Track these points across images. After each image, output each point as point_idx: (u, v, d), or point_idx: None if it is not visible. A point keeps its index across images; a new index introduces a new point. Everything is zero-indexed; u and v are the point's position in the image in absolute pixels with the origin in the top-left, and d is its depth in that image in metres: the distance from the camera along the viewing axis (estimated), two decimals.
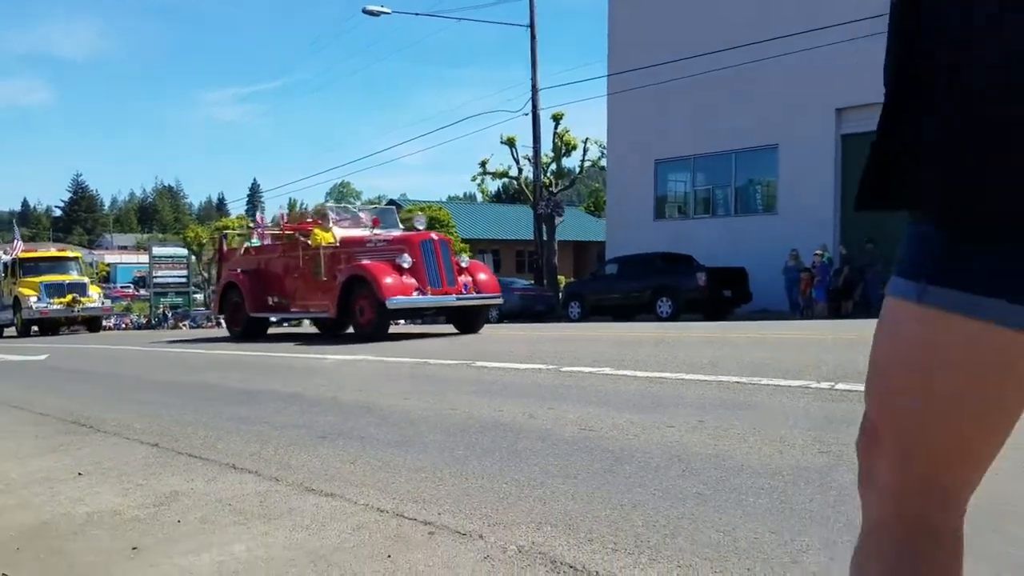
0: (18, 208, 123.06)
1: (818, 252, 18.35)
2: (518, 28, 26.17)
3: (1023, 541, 2.33)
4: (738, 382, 5.49)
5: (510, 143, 30.66)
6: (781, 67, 19.53)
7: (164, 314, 30.82)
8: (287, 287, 14.69)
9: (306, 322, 19.49)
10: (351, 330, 13.78)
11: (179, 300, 32.00)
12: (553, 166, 31.71)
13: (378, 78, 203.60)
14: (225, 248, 16.77)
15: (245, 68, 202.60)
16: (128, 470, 3.87)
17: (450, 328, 14.86)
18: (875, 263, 17.30)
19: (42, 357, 13.05)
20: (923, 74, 0.95)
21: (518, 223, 44.09)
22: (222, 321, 23.70)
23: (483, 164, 33.42)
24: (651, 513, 2.74)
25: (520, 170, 31.36)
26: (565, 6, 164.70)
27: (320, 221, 14.65)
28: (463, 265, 13.57)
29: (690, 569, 2.23)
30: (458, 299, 13.04)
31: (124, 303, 40.51)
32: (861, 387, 1.20)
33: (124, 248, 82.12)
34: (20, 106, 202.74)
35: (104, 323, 27.55)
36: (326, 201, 52.64)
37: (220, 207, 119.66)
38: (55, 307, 24.78)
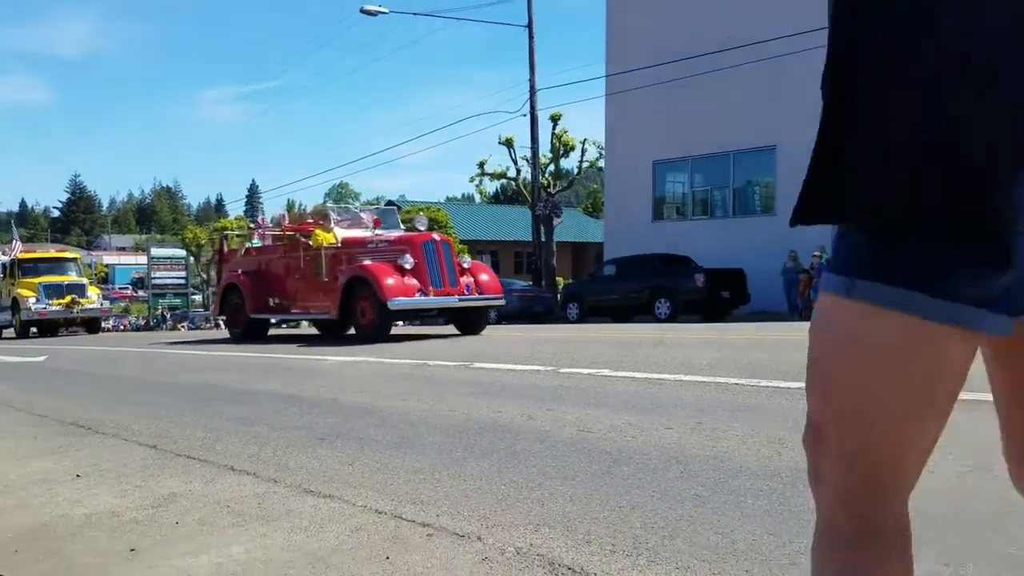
0: (16, 209, 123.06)
1: (816, 253, 18.34)
2: (516, 28, 26.20)
3: (1023, 541, 2.33)
4: (737, 384, 5.50)
5: (508, 144, 30.66)
6: (779, 68, 19.54)
7: (162, 315, 30.79)
8: (288, 288, 14.65)
9: (304, 323, 19.46)
10: (352, 331, 13.75)
11: (177, 301, 31.97)
12: (551, 167, 31.72)
13: (376, 78, 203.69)
14: (226, 249, 16.71)
15: (244, 68, 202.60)
16: (126, 472, 3.87)
17: (450, 329, 14.85)
18: None
19: (41, 358, 13.04)
20: (848, 93, 1.01)
21: (516, 224, 44.09)
22: (221, 322, 23.71)
23: (481, 165, 33.44)
24: (649, 515, 2.74)
25: (518, 171, 31.36)
26: (563, 7, 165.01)
27: (321, 222, 14.60)
28: (465, 266, 13.52)
29: (688, 571, 2.23)
30: (460, 300, 13.00)
31: (122, 304, 40.44)
32: None
33: (122, 249, 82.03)
34: (18, 105, 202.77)
35: (103, 324, 27.50)
36: (324, 202, 52.70)
37: (219, 208, 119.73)
38: (54, 308, 24.73)
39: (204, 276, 42.49)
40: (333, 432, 4.65)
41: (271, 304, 14.89)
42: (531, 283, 27.16)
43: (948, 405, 1.07)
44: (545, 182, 29.88)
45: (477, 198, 50.14)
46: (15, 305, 25.42)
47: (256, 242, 16.20)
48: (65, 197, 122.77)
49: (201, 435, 4.78)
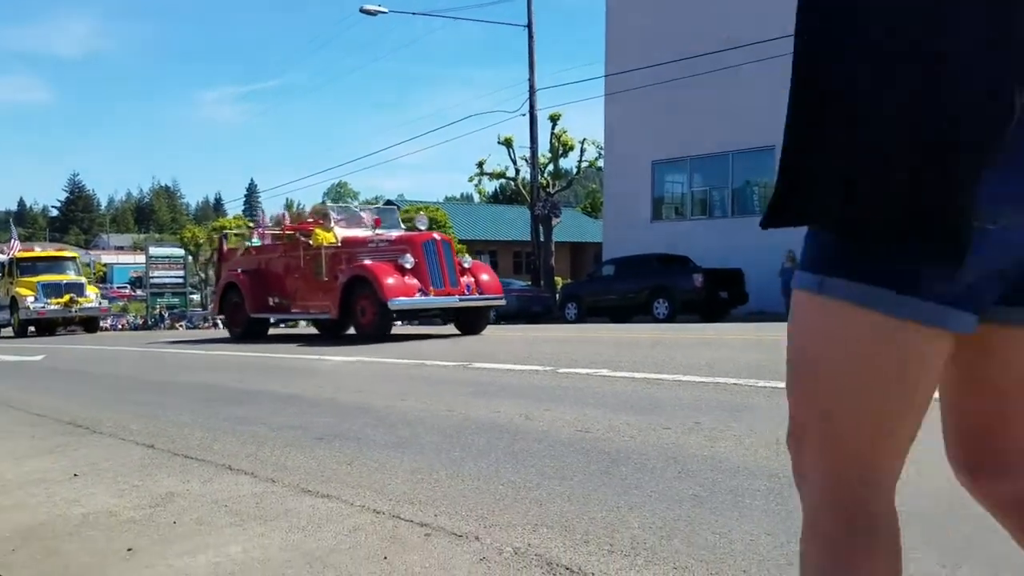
0: (14, 208, 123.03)
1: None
2: (516, 28, 26.21)
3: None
4: (735, 384, 5.50)
5: (507, 144, 30.67)
6: (778, 68, 19.52)
7: (160, 315, 30.79)
8: (288, 287, 14.61)
9: (302, 323, 19.44)
10: (351, 331, 13.73)
11: (176, 301, 31.97)
12: (550, 167, 31.73)
13: (375, 78, 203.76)
14: (225, 248, 16.67)
15: (243, 68, 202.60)
16: (124, 471, 3.87)
17: (450, 329, 14.84)
18: None
19: (38, 358, 13.03)
20: (813, 101, 1.04)
21: (515, 224, 44.09)
22: (219, 322, 23.68)
23: (480, 165, 33.44)
24: (647, 515, 2.74)
25: (517, 171, 31.37)
26: (563, 6, 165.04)
27: (321, 221, 14.57)
28: (465, 266, 13.47)
29: (686, 571, 2.23)
30: (461, 300, 12.96)
31: (120, 303, 40.44)
32: None
33: (121, 248, 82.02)
34: (17, 104, 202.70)
35: (101, 324, 27.48)
36: (323, 201, 52.69)
37: (217, 207, 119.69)
38: (52, 307, 24.69)
39: (202, 275, 42.47)
40: (331, 432, 4.65)
41: (271, 303, 14.85)
42: (530, 283, 27.18)
43: (924, 400, 1.09)
44: (544, 182, 29.88)
45: (476, 198, 50.13)
46: (13, 304, 25.38)
47: (256, 241, 16.17)
48: (64, 196, 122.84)
49: (199, 435, 4.78)
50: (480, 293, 13.29)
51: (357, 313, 12.81)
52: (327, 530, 2.77)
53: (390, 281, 12.19)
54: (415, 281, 12.48)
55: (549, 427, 4.42)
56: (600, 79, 25.83)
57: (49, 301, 24.69)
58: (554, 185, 31.54)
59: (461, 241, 33.93)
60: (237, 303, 15.40)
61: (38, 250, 32.57)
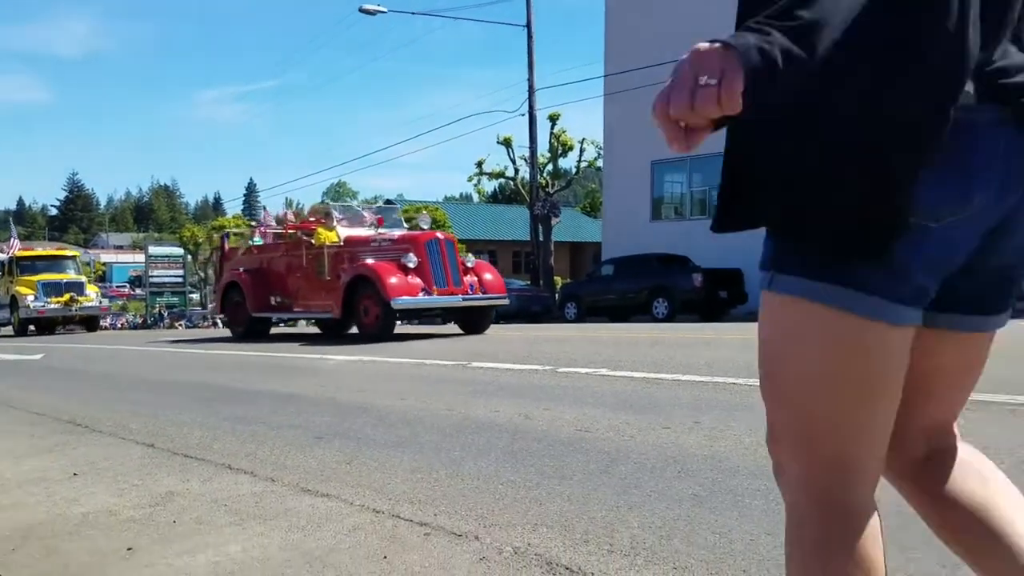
0: (14, 207, 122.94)
1: None
2: (515, 28, 26.20)
3: None
4: (734, 383, 5.50)
5: (507, 143, 30.66)
6: None
7: (160, 314, 30.75)
8: (290, 287, 14.56)
9: (302, 322, 19.42)
10: (353, 330, 13.69)
11: (175, 300, 31.89)
12: (550, 167, 31.72)
13: (375, 78, 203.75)
14: (227, 247, 16.62)
15: (242, 67, 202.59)
16: (124, 470, 3.86)
17: (451, 328, 14.82)
18: None
19: (37, 356, 13.02)
20: (755, 122, 1.09)
21: (514, 224, 44.07)
22: (219, 321, 23.64)
23: (479, 164, 33.43)
24: (647, 514, 2.74)
25: (516, 170, 31.36)
26: (562, 6, 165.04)
27: (324, 220, 14.52)
28: (468, 265, 13.40)
29: (686, 571, 2.23)
30: (464, 299, 12.90)
31: (120, 303, 40.39)
32: None
33: (120, 247, 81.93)
34: (16, 104, 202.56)
35: (100, 323, 27.44)
36: (323, 201, 52.58)
37: (216, 206, 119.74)
38: (52, 306, 24.64)
39: (202, 274, 42.42)
40: (331, 431, 4.65)
41: (273, 303, 14.81)
42: (529, 283, 27.17)
43: (889, 394, 1.12)
44: (543, 182, 29.88)
45: (475, 197, 50.10)
46: (13, 303, 25.33)
47: (258, 240, 16.13)
48: (63, 195, 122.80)
49: (199, 434, 4.78)
50: (483, 292, 13.23)
51: (360, 313, 12.76)
52: (327, 529, 2.77)
53: (393, 280, 12.14)
54: (418, 280, 12.43)
55: (549, 426, 4.42)
56: (599, 79, 25.83)
57: (49, 300, 24.64)
58: (553, 185, 31.53)
59: (460, 241, 33.93)
60: (239, 302, 15.35)
61: (39, 250, 32.56)
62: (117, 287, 47.72)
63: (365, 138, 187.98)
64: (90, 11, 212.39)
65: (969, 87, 1.02)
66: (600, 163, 29.66)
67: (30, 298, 24.63)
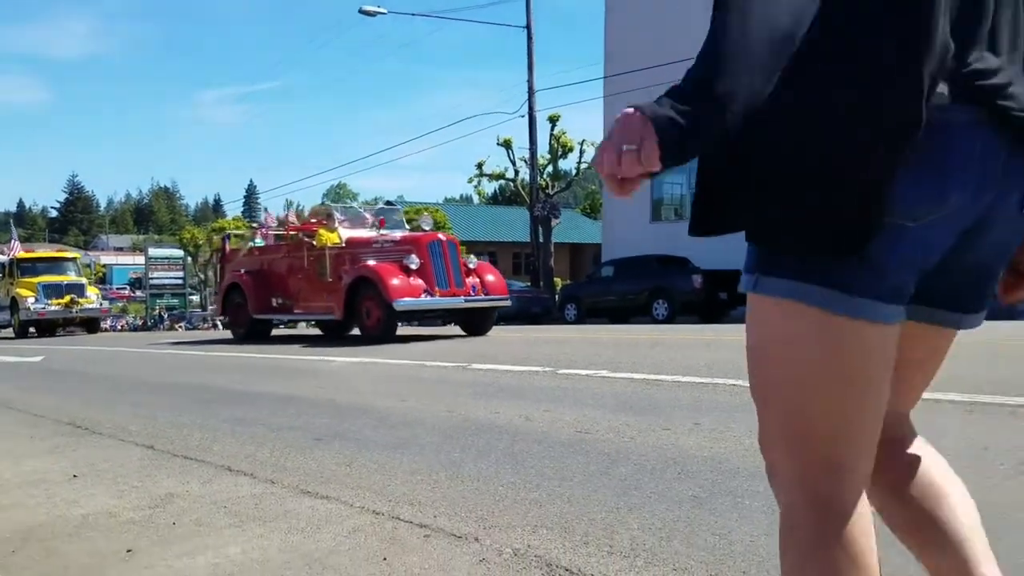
0: (14, 209, 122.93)
1: None
2: (515, 29, 26.21)
3: (1020, 546, 2.33)
4: (734, 384, 5.50)
5: (506, 145, 30.62)
6: None
7: (160, 316, 30.74)
8: (291, 288, 14.52)
9: (302, 324, 19.41)
10: (355, 331, 13.66)
11: (175, 302, 31.89)
12: (550, 168, 31.68)
13: (374, 79, 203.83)
14: (228, 248, 16.58)
15: (242, 68, 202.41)
16: (123, 472, 3.86)
17: (453, 329, 14.79)
18: None
19: (38, 359, 13.02)
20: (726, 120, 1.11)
21: (514, 225, 44.05)
22: (219, 323, 23.61)
23: (479, 166, 33.37)
24: (647, 516, 2.74)
25: (517, 172, 31.31)
26: (562, 8, 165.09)
27: (325, 221, 14.48)
28: (471, 266, 13.36)
29: (686, 572, 2.23)
30: (466, 301, 12.85)
31: (120, 304, 40.37)
32: None
33: (120, 249, 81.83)
34: (15, 106, 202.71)
35: (101, 325, 27.43)
36: (322, 202, 52.56)
37: (216, 208, 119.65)
38: (53, 308, 24.62)
39: (201, 276, 42.41)
40: (330, 433, 4.65)
41: (274, 304, 14.77)
42: (529, 284, 27.16)
43: (875, 390, 1.14)
44: (543, 183, 29.84)
45: (475, 199, 50.14)
46: (14, 305, 25.31)
47: (259, 241, 16.09)
48: (63, 197, 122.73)
49: (198, 435, 4.78)
50: (486, 294, 13.18)
51: (362, 314, 12.71)
52: (326, 531, 2.77)
53: (395, 282, 12.10)
54: (420, 282, 12.38)
55: (549, 428, 4.42)
56: (599, 80, 25.84)
57: (50, 302, 24.62)
58: (553, 186, 31.49)
59: (460, 242, 33.94)
60: (240, 304, 15.31)
61: (39, 251, 32.54)
62: (117, 289, 47.67)
63: (365, 140, 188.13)
64: (90, 11, 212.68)
65: (944, 88, 1.04)
66: None
67: (30, 300, 24.61)
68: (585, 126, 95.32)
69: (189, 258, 38.30)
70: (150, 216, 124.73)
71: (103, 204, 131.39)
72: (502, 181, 35.00)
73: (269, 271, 15.05)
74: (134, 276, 48.09)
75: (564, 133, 31.14)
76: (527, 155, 27.30)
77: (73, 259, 28.96)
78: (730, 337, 10.94)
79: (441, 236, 13.30)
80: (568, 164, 33.36)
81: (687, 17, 23.01)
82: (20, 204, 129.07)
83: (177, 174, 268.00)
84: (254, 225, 19.94)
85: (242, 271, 15.42)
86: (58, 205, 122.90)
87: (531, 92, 25.77)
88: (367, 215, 14.99)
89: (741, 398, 5.03)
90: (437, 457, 3.85)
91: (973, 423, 3.96)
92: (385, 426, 4.78)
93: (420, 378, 7.32)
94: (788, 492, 1.17)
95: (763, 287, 1.13)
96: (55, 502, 3.36)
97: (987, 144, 1.06)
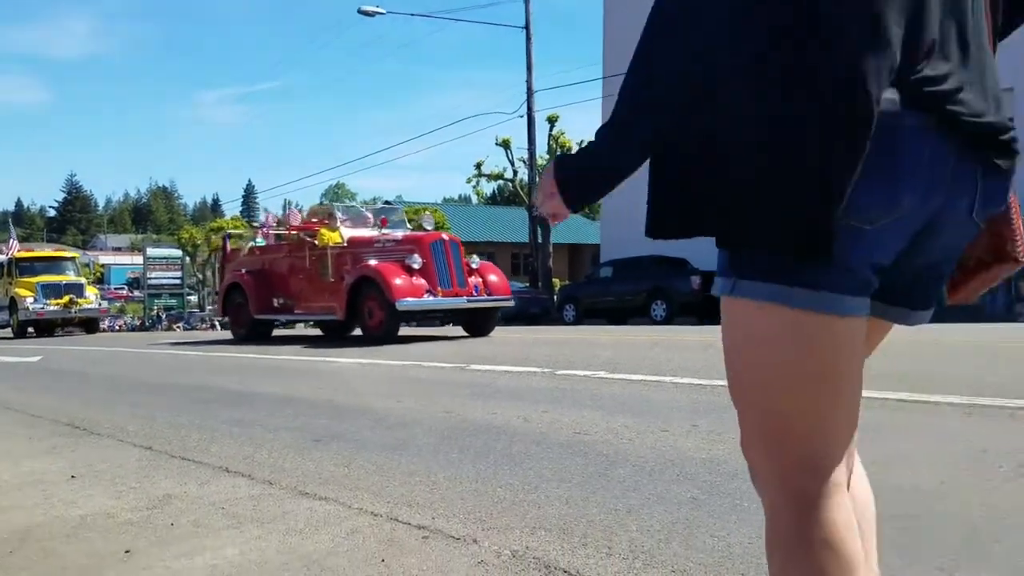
0: (12, 208, 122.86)
1: None
2: (514, 29, 26.21)
3: (1020, 546, 2.33)
4: None
5: (505, 145, 30.65)
6: None
7: (158, 316, 30.71)
8: (293, 288, 14.44)
9: (300, 324, 19.39)
10: (356, 332, 13.61)
11: (173, 302, 31.85)
12: None
13: (373, 79, 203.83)
14: (229, 248, 16.51)
15: (241, 69, 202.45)
16: (121, 473, 3.86)
17: (454, 330, 14.77)
18: None
19: (36, 359, 13.01)
20: (683, 141, 1.16)
21: (513, 225, 44.03)
22: (217, 323, 23.58)
23: (478, 166, 33.41)
24: (645, 518, 2.74)
25: (515, 172, 31.35)
26: (561, 8, 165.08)
27: (327, 221, 14.41)
28: (473, 266, 13.29)
29: (684, 574, 2.23)
30: (469, 301, 12.79)
31: (118, 304, 40.33)
32: None
33: (118, 249, 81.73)
34: (14, 105, 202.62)
35: (99, 325, 27.39)
36: (321, 202, 52.51)
37: (215, 208, 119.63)
38: (52, 308, 24.55)
39: (200, 276, 42.37)
40: (329, 434, 4.64)
41: (275, 304, 14.69)
42: (528, 284, 27.17)
43: (847, 385, 1.16)
44: None
45: (474, 199, 50.15)
46: (12, 305, 25.25)
47: (260, 241, 16.03)
48: (61, 197, 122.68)
49: (196, 436, 4.77)
50: (488, 294, 13.12)
51: (364, 315, 12.65)
52: (324, 533, 2.76)
53: (398, 282, 12.04)
54: (423, 282, 12.31)
55: (547, 429, 4.42)
56: (598, 81, 25.85)
57: (48, 302, 24.56)
58: None
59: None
60: (241, 304, 15.24)
61: (38, 251, 32.49)
62: (115, 289, 47.64)
63: (363, 140, 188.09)
64: (90, 11, 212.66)
65: (894, 94, 1.06)
66: None
67: (29, 300, 24.55)
68: (584, 126, 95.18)
69: (187, 258, 38.27)
70: (148, 216, 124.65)
71: (101, 204, 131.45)
72: (501, 181, 35.04)
73: (270, 271, 14.98)
74: (132, 276, 48.08)
75: (563, 133, 31.14)
76: (526, 155, 27.33)
77: (72, 259, 28.91)
78: None
79: (444, 236, 13.21)
80: None
81: None
82: (18, 203, 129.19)
83: (176, 174, 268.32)
84: (255, 225, 19.87)
85: (243, 271, 15.34)
86: (56, 205, 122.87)
87: (530, 92, 25.77)
88: (369, 214, 14.90)
89: None
90: (435, 458, 3.85)
91: (972, 425, 3.95)
92: (383, 427, 4.78)
93: (418, 379, 7.32)
94: (770, 492, 1.20)
95: (740, 290, 1.15)
96: (53, 503, 3.36)
97: (935, 149, 1.09)
